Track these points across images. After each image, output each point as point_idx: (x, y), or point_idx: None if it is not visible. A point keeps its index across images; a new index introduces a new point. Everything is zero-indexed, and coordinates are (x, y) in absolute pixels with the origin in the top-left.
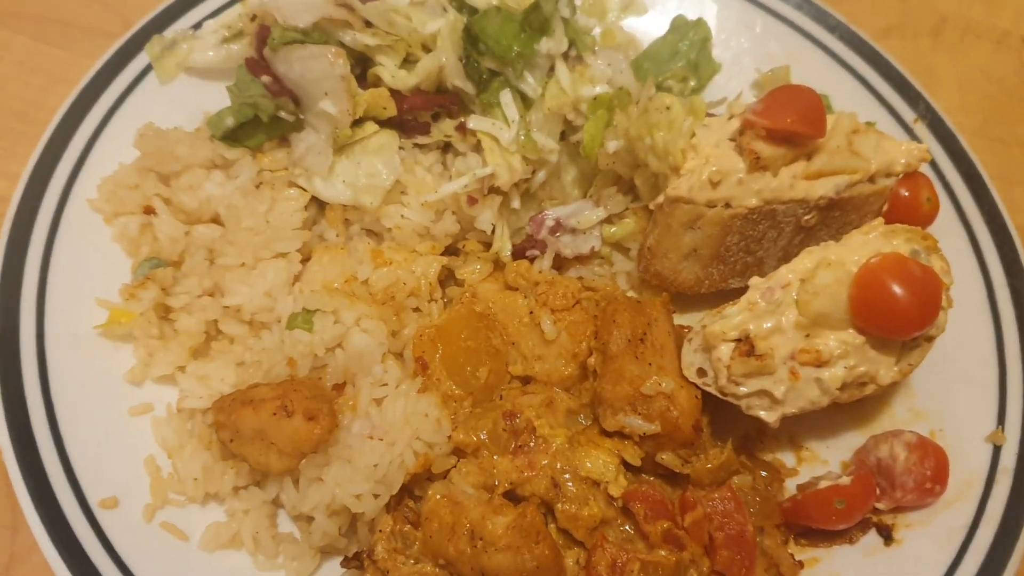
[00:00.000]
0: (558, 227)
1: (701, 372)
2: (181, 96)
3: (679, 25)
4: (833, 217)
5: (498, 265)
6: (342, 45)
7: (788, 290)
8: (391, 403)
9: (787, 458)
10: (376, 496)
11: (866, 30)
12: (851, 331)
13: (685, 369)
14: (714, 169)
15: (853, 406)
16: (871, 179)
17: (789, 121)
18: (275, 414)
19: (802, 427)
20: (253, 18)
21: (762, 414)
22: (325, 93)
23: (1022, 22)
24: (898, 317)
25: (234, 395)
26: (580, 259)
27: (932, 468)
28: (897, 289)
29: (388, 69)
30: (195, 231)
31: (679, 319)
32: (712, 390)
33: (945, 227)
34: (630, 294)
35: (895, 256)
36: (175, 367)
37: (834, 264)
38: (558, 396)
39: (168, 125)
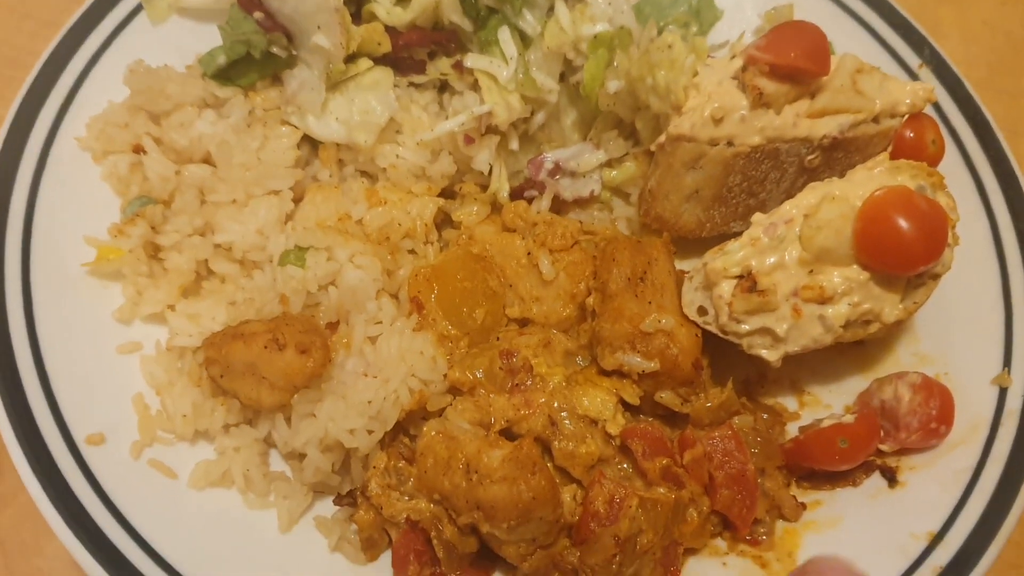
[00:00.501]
0: (557, 170)
1: (702, 311)
2: (172, 37)
3: None
4: (836, 158)
5: (495, 208)
6: None
7: (791, 225)
8: (385, 341)
9: (789, 402)
10: (370, 432)
11: None
12: (855, 267)
13: (686, 307)
14: (716, 106)
15: (856, 350)
16: (875, 119)
17: (792, 56)
18: (266, 347)
19: (804, 371)
20: None
21: (764, 353)
22: (318, 27)
23: None
24: (903, 251)
25: (225, 331)
26: (579, 203)
27: (937, 408)
28: (902, 223)
29: (383, 5)
30: (186, 170)
31: (679, 264)
32: (713, 328)
33: (950, 171)
34: None
35: (901, 189)
36: (165, 305)
37: (838, 198)
38: (556, 337)
39: (159, 66)
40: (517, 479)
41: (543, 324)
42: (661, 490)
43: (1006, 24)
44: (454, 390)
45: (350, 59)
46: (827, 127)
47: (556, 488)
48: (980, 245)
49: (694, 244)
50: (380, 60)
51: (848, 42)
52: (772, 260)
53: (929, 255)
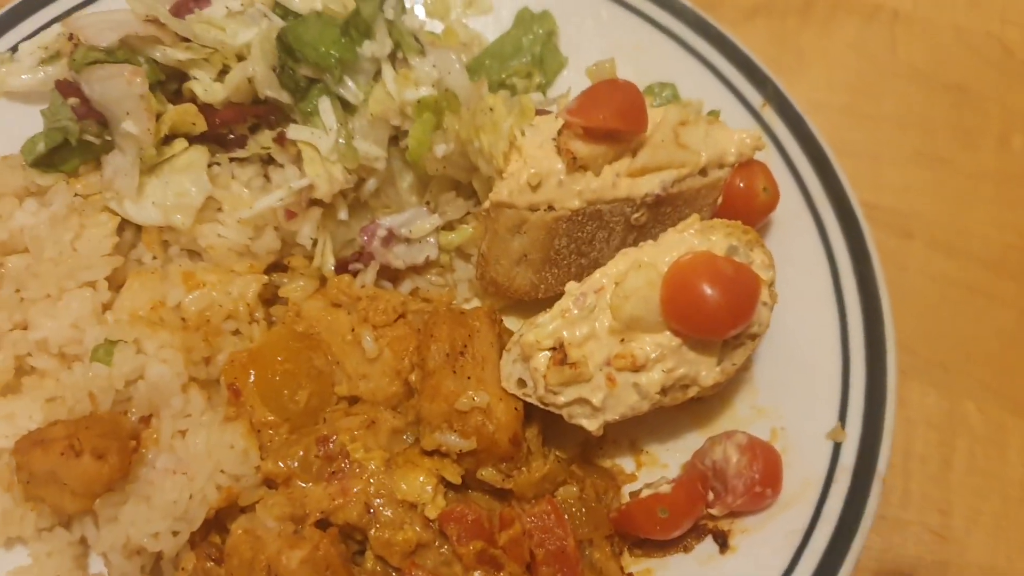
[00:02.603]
0: (391, 237)
1: (521, 383)
2: None
3: (523, 19)
4: (665, 213)
5: (324, 281)
6: (153, 61)
7: (602, 294)
8: (192, 435)
9: (627, 463)
10: (175, 533)
11: (734, 10)
12: (667, 333)
13: (505, 381)
14: (532, 171)
15: (694, 406)
16: (702, 171)
17: (602, 118)
18: (63, 454)
19: (643, 430)
20: (70, 38)
21: (584, 422)
22: (127, 113)
23: None
24: (709, 318)
25: (31, 435)
26: (416, 269)
27: (760, 471)
28: (706, 289)
29: (202, 83)
30: (7, 262)
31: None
32: (533, 400)
33: (793, 214)
34: (473, 302)
35: (704, 255)
36: None
37: (645, 265)
38: (382, 416)
39: None
40: None
41: (372, 402)
42: (477, 574)
43: (870, 47)
44: (269, 482)
45: (167, 140)
46: (649, 185)
47: None
48: (821, 291)
49: (536, 303)
50: (199, 138)
51: (691, 82)
52: (583, 331)
53: (736, 320)
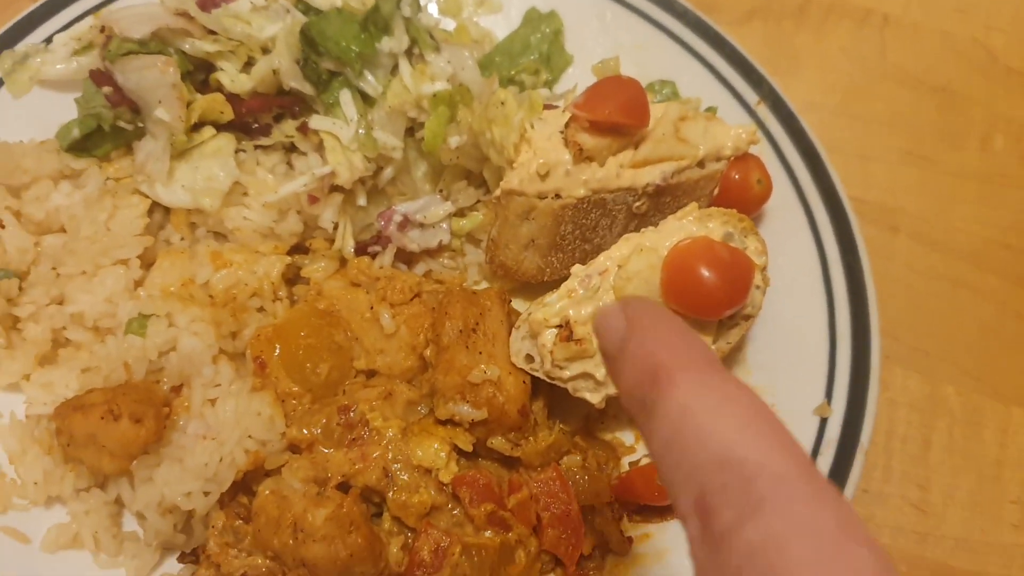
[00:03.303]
0: (406, 222)
1: (529, 358)
2: (35, 109)
3: (532, 18)
4: (664, 203)
5: (344, 262)
6: (183, 53)
7: (606, 276)
8: (222, 403)
9: (627, 437)
10: (207, 494)
11: (731, 12)
12: None
13: (514, 356)
14: (541, 161)
15: None
16: (700, 164)
17: (608, 112)
18: (103, 418)
19: None
20: (102, 30)
21: (587, 395)
22: (159, 101)
23: (886, 0)
24: (706, 298)
25: (69, 401)
26: (430, 253)
27: None
28: (704, 271)
29: (228, 74)
30: (44, 241)
31: (527, 306)
32: (540, 374)
33: (785, 206)
34: (482, 285)
35: (702, 240)
36: (21, 376)
37: (647, 250)
38: (398, 388)
39: (24, 137)
40: (335, 538)
41: (388, 375)
42: (487, 534)
43: (862, 49)
44: (293, 447)
45: (195, 128)
46: (650, 176)
47: (375, 544)
48: (810, 278)
49: (542, 286)
50: (226, 126)
51: (691, 80)
52: (587, 310)
53: (732, 301)
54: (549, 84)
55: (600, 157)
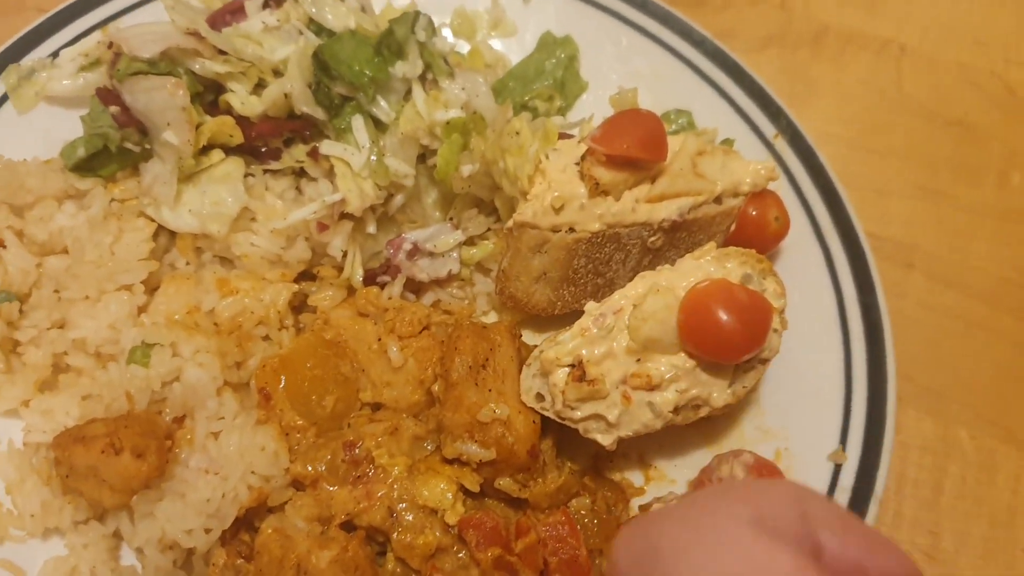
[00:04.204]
0: (416, 251)
1: (539, 397)
2: (40, 125)
3: (546, 43)
4: (680, 238)
5: (352, 291)
6: (192, 73)
7: (620, 315)
8: (226, 437)
9: (636, 477)
10: (208, 531)
11: (747, 40)
12: (682, 355)
13: (524, 394)
14: (556, 195)
15: (702, 424)
16: (718, 199)
17: (626, 147)
18: (104, 451)
19: (652, 445)
20: (110, 46)
21: (599, 437)
22: (168, 123)
23: (903, 30)
24: (724, 342)
25: (69, 431)
26: (439, 282)
27: None
28: (722, 315)
29: (238, 96)
30: (47, 262)
31: (537, 339)
32: (550, 414)
33: (802, 242)
34: (491, 315)
35: (720, 282)
36: (20, 402)
37: (663, 290)
38: (404, 423)
39: (28, 154)
40: None
41: (394, 409)
42: None
43: (878, 81)
44: (297, 483)
45: (204, 150)
46: (667, 211)
47: None
48: (827, 318)
49: (551, 318)
50: (235, 149)
51: (709, 112)
52: (601, 350)
53: (750, 345)
54: (563, 111)
55: (616, 191)
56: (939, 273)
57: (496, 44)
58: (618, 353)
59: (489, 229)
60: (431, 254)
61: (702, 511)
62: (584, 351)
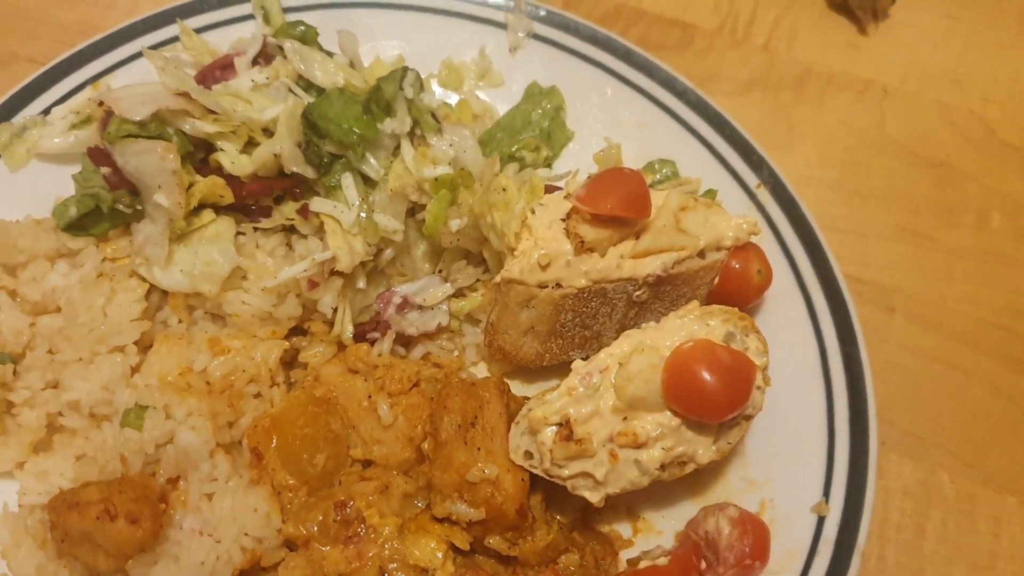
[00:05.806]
0: (405, 304)
1: (528, 455)
2: (32, 183)
3: (533, 93)
4: (664, 292)
5: (343, 346)
6: (183, 133)
7: (607, 374)
8: (219, 499)
9: (624, 529)
10: None
11: (730, 83)
12: (667, 413)
13: (512, 452)
14: (543, 252)
15: (689, 475)
16: (701, 254)
17: (610, 207)
18: (99, 518)
19: (640, 497)
20: (101, 103)
21: (587, 494)
22: (159, 186)
23: (885, 71)
24: (708, 402)
25: (65, 495)
26: (428, 335)
27: (751, 544)
28: (706, 376)
29: (228, 155)
30: (40, 322)
31: (526, 390)
32: (539, 472)
33: (785, 293)
34: (480, 366)
35: (704, 343)
36: (14, 464)
37: (648, 349)
38: (395, 480)
39: (20, 212)
40: None
41: (384, 465)
42: None
43: (860, 122)
44: (290, 544)
45: (195, 210)
46: (651, 266)
47: None
48: (809, 370)
49: (540, 369)
50: (227, 207)
51: (692, 161)
52: (588, 409)
53: (733, 405)
54: (549, 161)
55: (601, 248)
56: (919, 315)
57: (483, 95)
58: (604, 412)
59: (478, 280)
60: (420, 307)
61: None
62: (571, 410)
